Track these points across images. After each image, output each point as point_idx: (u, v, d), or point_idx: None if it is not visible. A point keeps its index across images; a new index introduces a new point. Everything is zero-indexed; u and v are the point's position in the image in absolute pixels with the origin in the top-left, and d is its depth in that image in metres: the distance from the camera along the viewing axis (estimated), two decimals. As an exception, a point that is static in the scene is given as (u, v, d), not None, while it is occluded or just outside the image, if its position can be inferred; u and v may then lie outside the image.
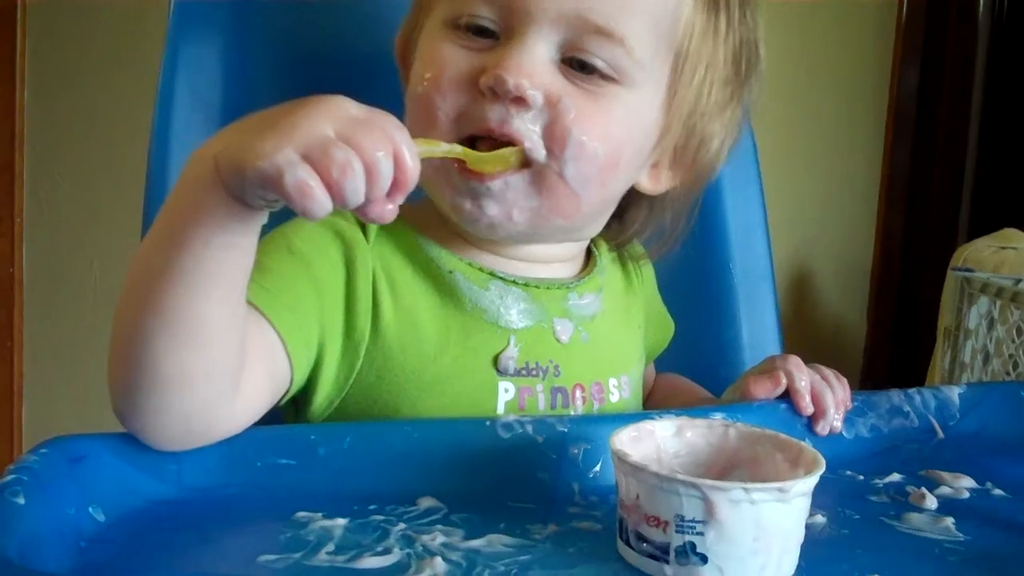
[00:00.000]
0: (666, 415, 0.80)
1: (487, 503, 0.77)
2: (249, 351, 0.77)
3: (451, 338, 0.91)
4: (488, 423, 0.82)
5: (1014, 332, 2.34)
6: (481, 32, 0.88)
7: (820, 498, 0.70)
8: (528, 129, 0.86)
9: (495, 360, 0.92)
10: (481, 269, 0.94)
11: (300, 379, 0.86)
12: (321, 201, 0.64)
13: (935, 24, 3.39)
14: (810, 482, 0.67)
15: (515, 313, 0.93)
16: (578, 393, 0.95)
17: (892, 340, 3.45)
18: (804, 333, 3.20)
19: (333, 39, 1.01)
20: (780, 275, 3.03)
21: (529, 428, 0.82)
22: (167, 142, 1.02)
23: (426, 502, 0.76)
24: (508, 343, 0.92)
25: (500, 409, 0.91)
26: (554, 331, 0.95)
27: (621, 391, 0.99)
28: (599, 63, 0.87)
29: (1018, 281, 2.35)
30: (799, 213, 3.07)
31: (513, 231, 0.91)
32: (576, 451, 0.82)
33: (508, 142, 0.86)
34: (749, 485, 0.64)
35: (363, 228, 0.92)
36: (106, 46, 2.33)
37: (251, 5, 1.09)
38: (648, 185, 0.98)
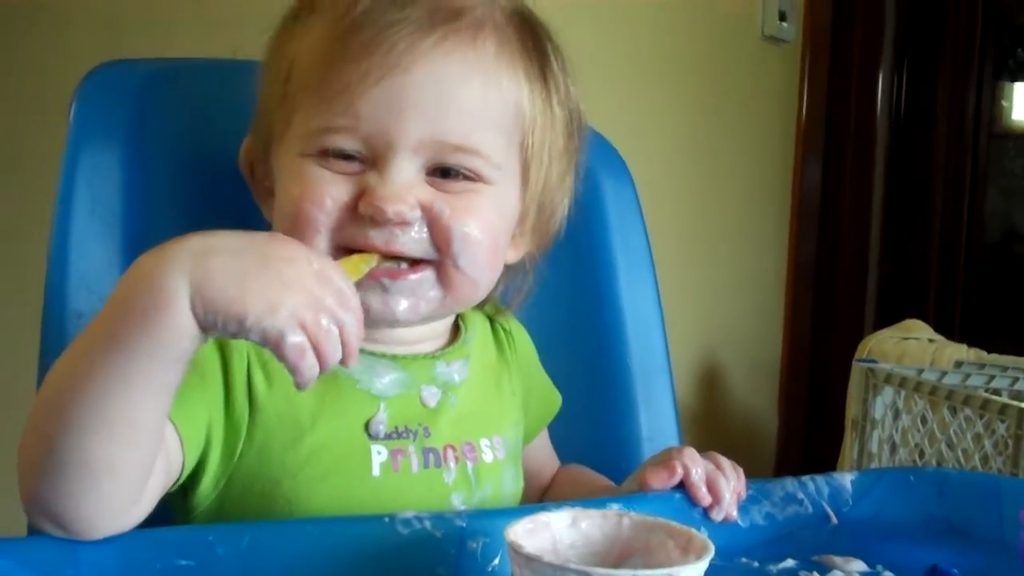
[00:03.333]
0: (562, 507, 0.81)
1: (386, 600, 0.77)
2: None
3: (325, 408, 0.95)
4: (387, 519, 0.82)
5: (919, 421, 2.38)
6: (347, 157, 0.93)
7: (714, 585, 0.71)
8: (415, 241, 0.93)
9: (366, 425, 0.96)
10: None
11: (191, 465, 0.88)
12: (311, 364, 0.75)
13: (835, 120, 3.48)
14: (699, 568, 0.68)
15: (386, 382, 0.98)
16: (450, 453, 0.99)
17: (803, 432, 3.49)
18: (716, 426, 3.22)
19: (232, 148, 1.02)
20: (690, 369, 3.07)
21: (427, 524, 0.82)
22: (66, 248, 1.02)
23: (325, 600, 0.77)
24: (378, 409, 0.96)
25: (376, 472, 0.94)
26: (421, 397, 0.99)
27: (495, 451, 1.03)
28: (461, 171, 0.94)
29: (921, 371, 2.40)
30: (707, 308, 3.11)
31: (415, 320, 0.97)
32: (475, 545, 0.82)
33: (398, 257, 0.93)
34: (639, 572, 0.66)
35: None
36: (6, 152, 2.31)
37: (152, 115, 1.10)
38: (511, 256, 1.05)
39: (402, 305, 0.94)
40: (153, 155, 1.09)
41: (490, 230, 0.96)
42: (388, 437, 0.96)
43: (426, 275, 0.94)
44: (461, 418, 1.01)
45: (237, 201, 1.06)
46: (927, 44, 3.98)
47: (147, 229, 1.06)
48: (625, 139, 1.35)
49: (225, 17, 1.85)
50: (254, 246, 0.76)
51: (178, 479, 0.87)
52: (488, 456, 1.02)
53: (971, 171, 4.19)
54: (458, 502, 0.98)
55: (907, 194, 3.91)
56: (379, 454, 0.95)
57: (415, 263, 0.94)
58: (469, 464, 1.00)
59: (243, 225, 1.06)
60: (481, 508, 0.97)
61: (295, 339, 0.73)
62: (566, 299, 1.25)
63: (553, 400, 1.21)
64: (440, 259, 0.94)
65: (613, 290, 1.27)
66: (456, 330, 1.08)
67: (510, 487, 1.05)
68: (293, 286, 0.74)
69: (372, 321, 0.94)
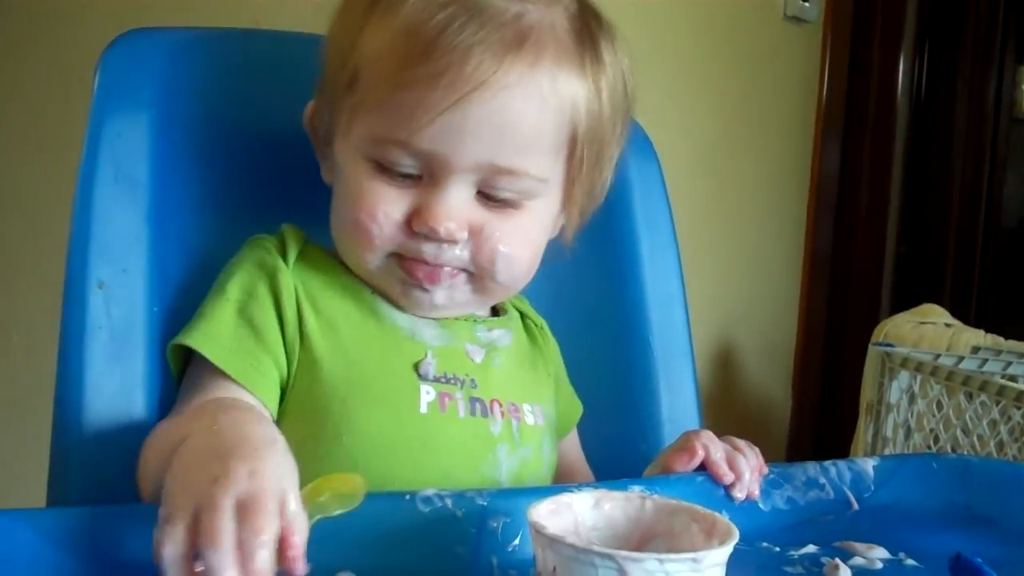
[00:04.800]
0: (584, 488, 0.81)
1: (406, 577, 0.76)
2: None
3: (372, 345, 1.01)
4: (408, 496, 0.82)
5: (934, 406, 2.37)
6: (405, 171, 0.96)
7: (737, 570, 0.71)
8: (458, 257, 0.98)
9: (415, 366, 1.00)
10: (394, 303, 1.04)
11: (273, 409, 0.97)
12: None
13: (855, 105, 3.47)
14: (723, 552, 0.68)
15: (428, 334, 1.03)
16: (496, 407, 1.03)
17: (816, 415, 3.48)
18: (729, 408, 3.21)
19: (257, 118, 1.02)
20: (706, 351, 3.07)
21: (448, 502, 0.82)
22: (89, 216, 1.01)
23: (344, 577, 0.76)
24: (426, 355, 1.01)
25: (423, 409, 0.98)
26: (466, 351, 1.04)
27: (536, 417, 1.07)
28: (508, 195, 0.98)
29: (938, 356, 2.39)
30: (723, 290, 3.10)
31: (453, 308, 1.03)
32: (495, 524, 0.82)
33: (442, 265, 0.98)
34: (663, 556, 0.65)
35: (283, 255, 1.02)
36: (28, 122, 2.31)
37: (176, 83, 1.09)
38: (554, 233, 1.09)
39: (440, 297, 1.01)
40: (177, 123, 1.08)
41: (531, 244, 1.02)
42: (436, 380, 1.00)
43: (460, 279, 1.00)
44: (505, 378, 1.06)
45: (259, 169, 1.06)
46: (948, 27, 3.96)
47: (170, 198, 1.06)
48: (643, 118, 1.33)
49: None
50: (222, 447, 0.72)
51: None
52: (530, 420, 1.06)
53: (990, 155, 4.17)
54: (504, 453, 1.01)
55: (926, 178, 3.89)
56: (427, 393, 0.99)
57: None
58: (514, 422, 1.03)
59: (264, 191, 1.07)
60: (504, 488, 0.96)
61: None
62: (590, 278, 1.25)
63: (576, 406, 1.22)
64: (478, 272, 0.99)
65: (637, 269, 1.26)
66: (495, 310, 1.13)
67: (548, 456, 1.08)
68: (197, 487, 0.68)
69: (415, 308, 1.03)
